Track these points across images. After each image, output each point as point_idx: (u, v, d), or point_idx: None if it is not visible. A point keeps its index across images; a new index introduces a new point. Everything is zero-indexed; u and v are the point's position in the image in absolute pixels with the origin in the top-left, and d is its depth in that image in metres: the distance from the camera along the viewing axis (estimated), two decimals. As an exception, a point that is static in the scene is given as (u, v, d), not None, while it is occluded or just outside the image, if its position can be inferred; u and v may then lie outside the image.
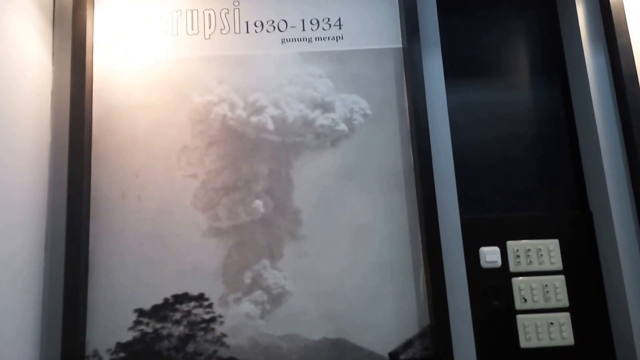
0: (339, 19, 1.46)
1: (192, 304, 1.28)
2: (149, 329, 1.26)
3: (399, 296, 1.31)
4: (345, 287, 1.32)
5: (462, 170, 1.47)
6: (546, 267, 1.39)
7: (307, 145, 1.38)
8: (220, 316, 1.28)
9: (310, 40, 1.44)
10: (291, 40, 1.44)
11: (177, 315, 1.27)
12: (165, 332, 1.26)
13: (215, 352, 1.26)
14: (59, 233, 1.27)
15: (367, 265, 1.33)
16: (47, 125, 1.32)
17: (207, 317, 1.27)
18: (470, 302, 1.35)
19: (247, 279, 1.30)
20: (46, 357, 1.23)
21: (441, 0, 1.55)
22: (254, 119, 1.39)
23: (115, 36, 1.41)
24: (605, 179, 1.39)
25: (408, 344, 1.30)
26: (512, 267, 1.39)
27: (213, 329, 1.27)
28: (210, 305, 1.28)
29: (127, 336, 1.26)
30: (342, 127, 1.39)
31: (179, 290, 1.29)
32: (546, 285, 1.37)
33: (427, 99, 1.42)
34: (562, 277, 1.39)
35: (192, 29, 1.43)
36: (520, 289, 1.37)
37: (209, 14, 1.44)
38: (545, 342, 1.35)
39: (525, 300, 1.36)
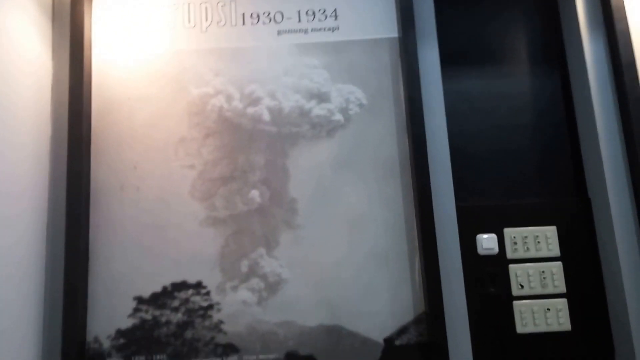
0: (335, 10, 1.50)
1: (190, 291, 1.33)
2: (148, 316, 1.32)
3: (394, 283, 1.36)
4: (341, 274, 1.36)
5: (459, 159, 1.51)
6: (543, 253, 1.42)
7: (303, 135, 1.43)
8: (217, 303, 1.33)
9: (306, 32, 1.49)
10: (287, 31, 1.49)
11: (176, 303, 1.33)
12: (163, 319, 1.32)
13: (212, 338, 1.32)
14: (59, 224, 1.34)
15: (362, 254, 1.37)
16: (47, 118, 1.39)
17: (204, 304, 1.33)
18: (466, 289, 1.38)
19: (244, 267, 1.35)
20: (48, 344, 1.30)
21: (437, -11, 1.59)
22: (250, 110, 1.44)
23: (113, 30, 1.47)
24: (603, 165, 1.41)
25: (403, 330, 1.34)
26: (509, 254, 1.42)
27: (211, 316, 1.33)
28: (207, 293, 1.33)
29: (127, 323, 1.32)
30: (338, 117, 1.44)
31: (178, 279, 1.34)
32: (543, 272, 1.41)
33: (422, 88, 1.45)
34: (559, 264, 1.42)
35: (189, 22, 1.48)
36: (517, 276, 1.41)
37: (206, 7, 1.50)
38: (541, 328, 1.38)
39: (522, 286, 1.40)
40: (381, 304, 1.34)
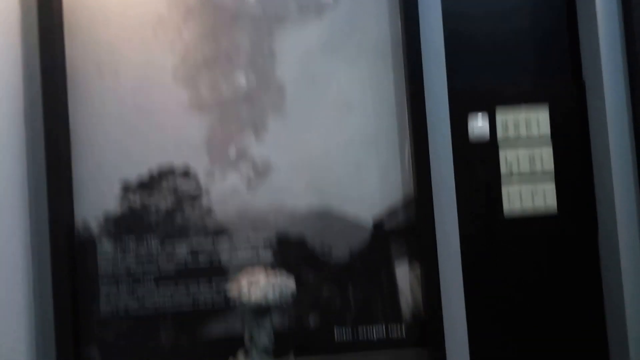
0: None
1: (178, 176, 1.35)
2: (136, 201, 1.35)
3: (383, 168, 1.38)
4: (331, 159, 1.38)
5: (453, 41, 1.49)
6: (534, 137, 1.44)
7: (290, 16, 1.40)
8: (206, 189, 1.36)
9: None
10: None
11: (164, 188, 1.35)
12: (152, 204, 1.35)
13: (203, 222, 1.36)
14: (37, 107, 1.32)
15: (352, 138, 1.38)
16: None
17: (193, 189, 1.36)
18: (455, 173, 1.41)
19: (232, 152, 1.37)
20: (35, 229, 1.33)
21: None
22: (233, -12, 1.39)
23: None
24: (599, 48, 1.40)
25: (392, 214, 1.38)
26: (500, 138, 1.44)
27: (200, 202, 1.36)
28: (196, 178, 1.36)
29: (115, 207, 1.35)
30: (327, -4, 1.40)
31: (164, 163, 1.36)
32: (533, 156, 1.43)
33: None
34: (549, 147, 1.44)
35: None
36: (506, 160, 1.43)
37: None
38: (529, 211, 1.43)
39: (511, 171, 1.43)
40: (370, 188, 1.38)
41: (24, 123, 1.32)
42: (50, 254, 1.31)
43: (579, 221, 1.45)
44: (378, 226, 1.37)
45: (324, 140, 1.38)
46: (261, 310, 0.97)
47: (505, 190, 1.43)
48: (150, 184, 1.35)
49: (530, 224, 1.44)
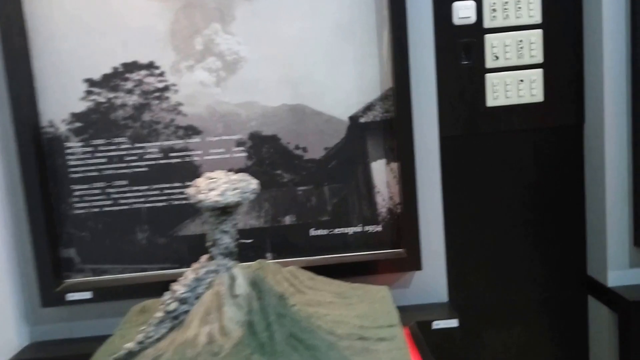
0: None
1: (143, 72, 1.32)
2: (102, 99, 1.33)
3: (360, 59, 1.33)
4: (304, 50, 1.33)
5: None
6: (524, 21, 1.37)
7: None
8: (173, 85, 1.32)
9: None
10: None
11: (129, 85, 1.33)
12: (118, 101, 1.33)
13: (172, 120, 1.34)
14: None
15: (326, 27, 1.32)
16: None
17: (160, 85, 1.33)
18: (437, 61, 1.36)
19: (199, 44, 1.32)
20: (1, 128, 1.32)
21: None
22: None
23: None
24: None
25: (369, 108, 1.35)
26: (487, 23, 1.38)
27: (168, 98, 1.33)
28: (162, 74, 1.32)
29: (81, 106, 1.33)
30: None
31: (128, 59, 1.32)
32: (521, 41, 1.37)
33: None
34: (539, 32, 1.38)
35: None
36: (492, 46, 1.38)
37: None
38: (513, 100, 1.39)
39: (497, 57, 1.38)
40: (346, 80, 1.34)
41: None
42: (19, 157, 1.32)
43: (565, 112, 1.42)
44: (354, 122, 1.35)
45: (297, 30, 1.32)
46: (221, 213, 0.97)
47: (489, 80, 1.39)
48: (115, 81, 1.32)
49: (515, 115, 1.41)
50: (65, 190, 1.36)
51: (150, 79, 1.32)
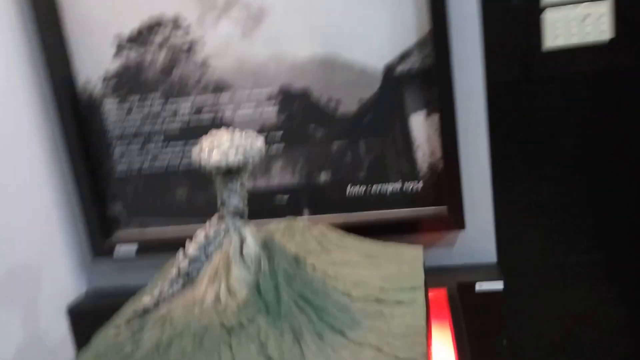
0: None
1: (170, 26, 1.33)
2: (133, 54, 1.36)
3: (393, 2, 1.27)
4: (334, -3, 1.28)
5: None
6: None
7: None
8: (201, 37, 1.33)
9: None
10: None
11: (158, 39, 1.35)
12: (149, 57, 1.36)
13: (202, 75, 1.35)
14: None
15: (358, -31, 1.27)
16: None
17: (187, 39, 1.34)
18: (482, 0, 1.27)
19: (223, -4, 1.31)
20: (39, 92, 1.39)
21: None
22: None
23: None
24: None
25: (405, 55, 1.29)
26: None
27: (195, 52, 1.34)
28: (188, 27, 1.33)
29: (114, 63, 1.38)
30: None
31: (154, 12, 1.33)
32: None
33: None
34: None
35: None
36: (547, -20, 1.26)
37: None
38: (575, 40, 1.28)
39: (553, -7, 1.26)
40: (379, 27, 1.28)
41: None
42: (59, 118, 1.39)
43: (636, 54, 1.28)
44: (390, 72, 1.30)
45: (325, -25, 1.27)
46: (228, 173, 0.97)
47: (548, 17, 1.28)
48: (144, 37, 1.34)
49: (577, 59, 1.29)
50: (106, 148, 1.42)
51: (178, 33, 1.33)
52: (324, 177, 1.37)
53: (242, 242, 0.99)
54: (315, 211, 1.38)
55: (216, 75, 1.34)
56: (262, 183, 1.39)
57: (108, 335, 1.01)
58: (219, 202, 1.00)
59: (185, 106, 1.38)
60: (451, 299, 1.22)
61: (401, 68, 1.29)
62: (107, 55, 1.37)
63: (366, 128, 1.33)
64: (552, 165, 1.34)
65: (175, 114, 1.38)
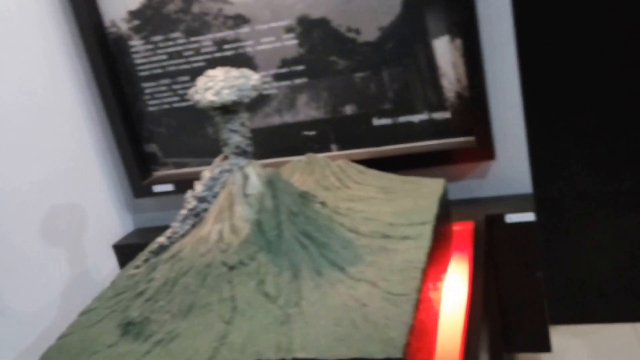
0: None
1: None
2: (153, -4, 1.39)
3: None
4: None
5: None
6: None
7: None
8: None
9: None
10: None
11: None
12: (168, -4, 1.38)
13: (220, 10, 1.36)
14: None
15: None
16: None
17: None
18: None
19: None
20: (71, 36, 1.46)
21: None
22: None
23: None
24: None
25: (427, -25, 1.24)
26: None
27: (213, -12, 1.35)
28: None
29: (135, 3, 1.41)
30: None
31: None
32: None
33: None
34: None
35: None
36: None
37: None
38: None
39: None
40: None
41: None
42: (89, 60, 1.45)
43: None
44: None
45: None
46: (227, 112, 1.00)
47: None
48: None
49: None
50: (136, 88, 1.48)
51: (193, -32, 1.34)
52: (349, 110, 1.37)
53: (245, 180, 1.03)
54: (342, 146, 1.39)
55: (234, 9, 1.35)
56: (288, 118, 1.41)
57: (127, 273, 1.09)
58: (220, 141, 1.03)
59: (207, 43, 1.40)
60: (477, 232, 1.21)
61: (427, -11, 1.24)
62: (127, -3, 1.40)
63: (389, 56, 1.30)
64: (588, 89, 1.26)
65: (197, 51, 1.41)
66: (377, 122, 1.36)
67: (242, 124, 1.02)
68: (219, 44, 1.40)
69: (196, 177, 1.51)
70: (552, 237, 1.36)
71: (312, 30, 1.33)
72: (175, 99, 1.48)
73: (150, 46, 1.45)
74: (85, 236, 1.49)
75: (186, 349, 0.86)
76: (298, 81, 1.38)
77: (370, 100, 1.34)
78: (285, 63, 1.37)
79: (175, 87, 1.47)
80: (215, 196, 1.05)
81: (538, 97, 1.29)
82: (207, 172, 1.05)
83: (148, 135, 1.53)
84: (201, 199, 1.05)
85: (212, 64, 1.41)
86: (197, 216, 1.06)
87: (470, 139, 1.30)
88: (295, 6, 1.32)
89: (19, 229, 1.30)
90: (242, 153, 1.03)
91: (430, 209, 1.09)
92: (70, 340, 0.97)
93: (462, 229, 1.22)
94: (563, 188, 1.34)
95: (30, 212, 1.33)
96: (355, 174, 1.24)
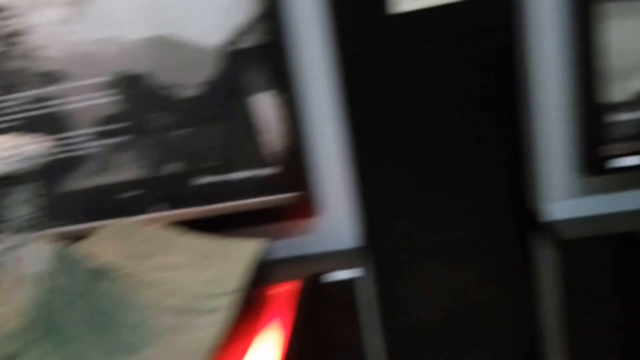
0: None
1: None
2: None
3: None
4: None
5: None
6: None
7: None
8: (25, 26, 1.27)
9: None
10: None
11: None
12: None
13: (31, 67, 1.30)
14: None
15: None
16: None
17: (11, 29, 1.28)
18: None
19: (43, -25, 1.25)
20: None
21: None
22: None
23: None
24: None
25: (245, 31, 1.24)
26: None
27: (22, 42, 1.29)
28: (9, 15, 1.27)
29: None
30: None
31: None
32: None
33: None
34: None
35: None
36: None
37: None
38: (424, 3, 1.23)
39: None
40: (214, 1, 1.22)
41: None
42: None
43: (494, 9, 1.23)
44: (229, 50, 1.25)
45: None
46: (12, 183, 0.94)
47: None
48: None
49: (430, 23, 1.24)
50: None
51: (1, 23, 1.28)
52: (170, 168, 1.34)
53: (33, 258, 0.97)
54: (162, 207, 1.35)
55: (46, 66, 1.29)
56: (104, 179, 1.36)
57: None
58: (3, 216, 0.97)
59: (20, 101, 1.33)
60: (299, 293, 1.20)
61: (241, 45, 1.24)
62: None
63: (210, 113, 1.29)
64: (416, 142, 1.30)
65: (11, 111, 1.34)
66: (199, 180, 1.34)
67: (31, 194, 0.97)
68: (34, 101, 1.33)
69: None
70: (385, 290, 1.38)
71: (131, 86, 1.30)
72: (-10, 159, 1.39)
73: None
74: None
75: None
76: (116, 140, 1.33)
77: (192, 158, 1.32)
78: (103, 121, 1.32)
79: (-12, 146, 1.38)
80: (-1, 277, 0.99)
81: (366, 151, 1.31)
82: (-11, 252, 0.99)
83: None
84: (-15, 280, 0.98)
85: (31, 122, 1.34)
86: (-15, 298, 0.99)
87: (295, 195, 1.30)
88: (114, 61, 1.28)
89: None
90: (29, 227, 0.98)
91: (241, 275, 1.07)
92: None
93: (282, 291, 1.21)
94: (396, 240, 1.36)
95: None
96: (171, 239, 1.21)
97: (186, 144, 1.32)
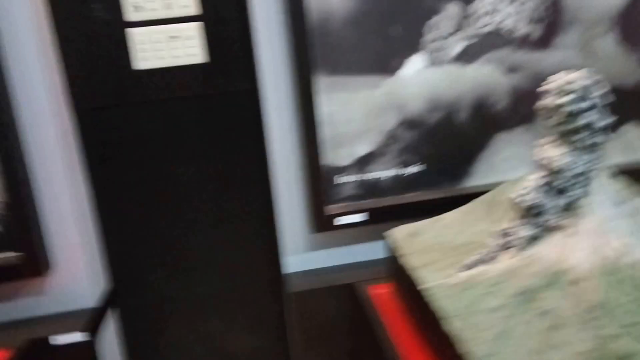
0: None
1: None
2: None
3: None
4: None
5: None
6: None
7: None
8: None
9: None
10: None
11: None
12: None
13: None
14: None
15: None
16: None
17: None
18: (54, 12, 1.16)
19: None
20: None
21: None
22: None
23: None
24: None
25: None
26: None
27: None
28: None
29: None
30: None
31: None
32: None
33: None
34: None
35: None
36: (132, -1, 1.19)
37: None
38: (167, 62, 1.24)
39: (138, 8, 1.20)
40: None
41: None
42: None
43: (237, 74, 1.28)
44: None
45: None
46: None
47: (133, 37, 1.22)
48: None
49: (172, 82, 1.26)
50: None
51: None
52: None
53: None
54: None
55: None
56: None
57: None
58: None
59: None
60: (16, 358, 1.11)
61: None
62: None
63: None
64: (168, 195, 1.30)
65: None
66: None
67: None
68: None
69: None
70: (138, 346, 1.35)
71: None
72: None
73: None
74: None
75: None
76: None
77: None
78: None
79: None
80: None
81: (110, 206, 1.27)
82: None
83: None
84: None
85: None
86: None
87: (19, 254, 1.21)
88: None
89: None
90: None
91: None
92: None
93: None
94: (146, 295, 1.34)
95: None
96: None
97: None
